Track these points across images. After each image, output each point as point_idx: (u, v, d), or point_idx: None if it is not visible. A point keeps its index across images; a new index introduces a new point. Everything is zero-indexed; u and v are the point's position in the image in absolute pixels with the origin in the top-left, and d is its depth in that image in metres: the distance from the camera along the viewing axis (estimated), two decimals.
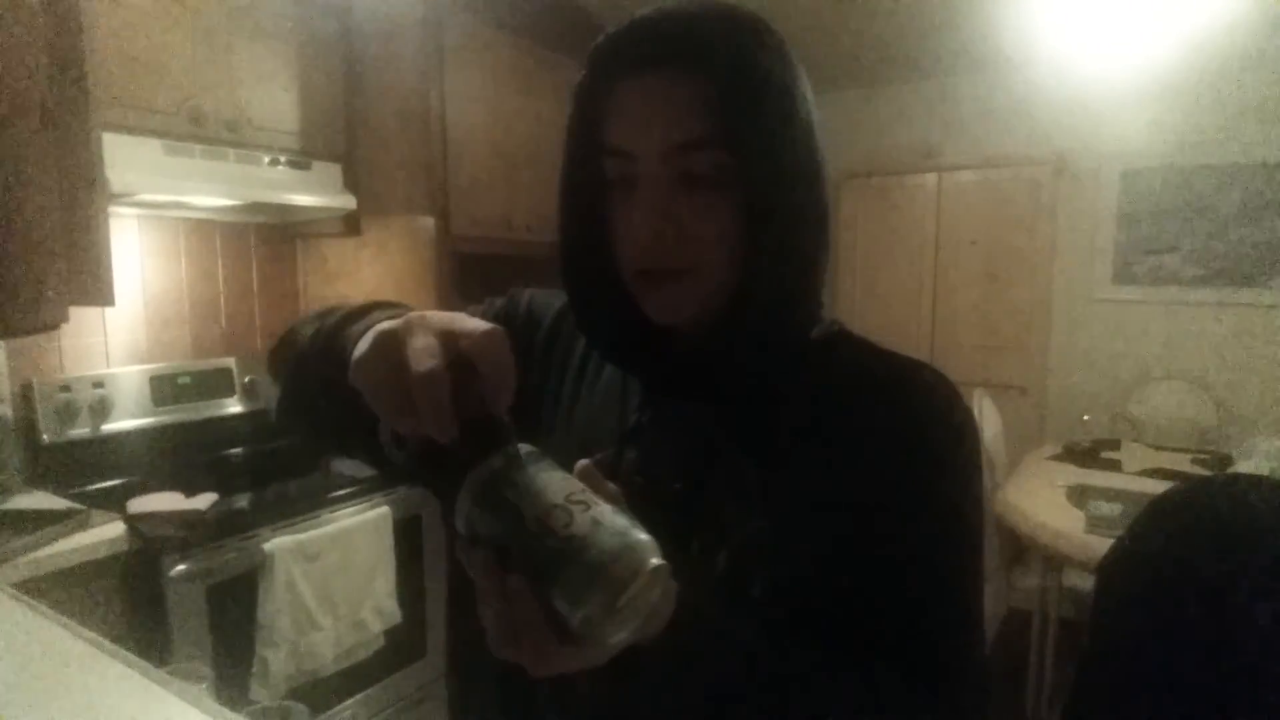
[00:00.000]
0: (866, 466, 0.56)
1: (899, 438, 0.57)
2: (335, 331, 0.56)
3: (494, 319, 0.64)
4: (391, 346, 0.42)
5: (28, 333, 1.41)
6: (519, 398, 0.46)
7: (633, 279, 0.58)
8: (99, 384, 1.96)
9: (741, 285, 0.55)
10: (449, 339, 0.42)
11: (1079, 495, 2.24)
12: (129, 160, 1.77)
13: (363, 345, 0.45)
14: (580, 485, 0.43)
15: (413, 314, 0.45)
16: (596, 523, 0.41)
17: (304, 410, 0.63)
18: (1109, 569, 0.96)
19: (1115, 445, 2.92)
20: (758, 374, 0.59)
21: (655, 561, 0.41)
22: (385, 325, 0.44)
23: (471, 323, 0.44)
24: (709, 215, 0.54)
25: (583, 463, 0.45)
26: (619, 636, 0.41)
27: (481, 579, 0.42)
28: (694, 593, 0.48)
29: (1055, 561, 2.10)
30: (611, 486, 0.45)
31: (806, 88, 0.56)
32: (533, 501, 0.42)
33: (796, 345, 0.60)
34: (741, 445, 0.58)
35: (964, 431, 0.59)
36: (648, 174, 0.54)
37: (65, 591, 1.47)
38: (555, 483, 0.43)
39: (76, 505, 1.67)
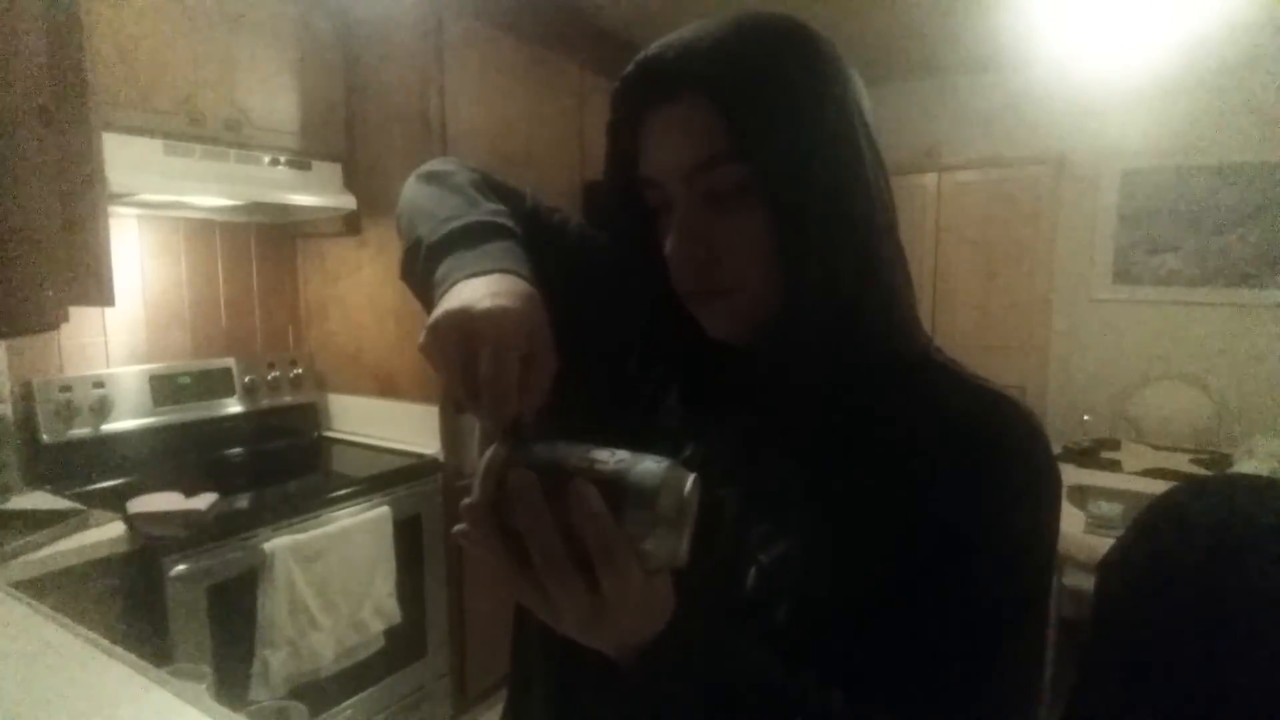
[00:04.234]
0: (917, 499, 0.52)
1: (958, 472, 0.52)
2: (425, 273, 0.60)
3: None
4: (440, 341, 0.49)
5: (28, 333, 1.42)
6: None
7: (684, 298, 0.58)
8: (99, 384, 1.96)
9: (786, 300, 0.54)
10: (496, 345, 0.47)
11: (1079, 495, 2.24)
12: (129, 160, 1.77)
13: (436, 312, 0.50)
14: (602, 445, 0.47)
15: (466, 310, 0.48)
16: (634, 452, 0.44)
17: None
18: (1109, 568, 0.96)
19: (1115, 445, 2.92)
20: (812, 391, 0.56)
21: (692, 475, 0.44)
22: (447, 308, 0.49)
23: (517, 335, 0.48)
24: (742, 234, 0.53)
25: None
26: (679, 552, 0.43)
27: (536, 508, 0.42)
28: (697, 603, 0.48)
29: (1055, 561, 2.10)
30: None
31: (851, 90, 0.54)
32: (568, 452, 0.45)
33: (863, 364, 0.56)
34: (790, 463, 0.57)
35: (1039, 476, 0.53)
36: (677, 198, 0.55)
37: (65, 591, 1.47)
38: (579, 445, 0.46)
39: (76, 505, 1.67)
